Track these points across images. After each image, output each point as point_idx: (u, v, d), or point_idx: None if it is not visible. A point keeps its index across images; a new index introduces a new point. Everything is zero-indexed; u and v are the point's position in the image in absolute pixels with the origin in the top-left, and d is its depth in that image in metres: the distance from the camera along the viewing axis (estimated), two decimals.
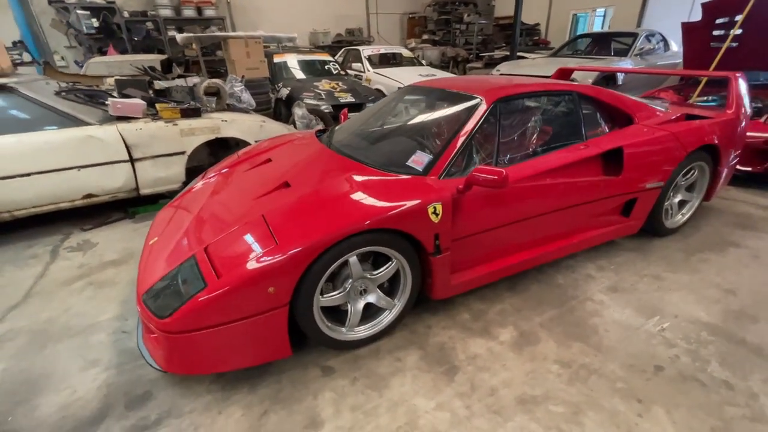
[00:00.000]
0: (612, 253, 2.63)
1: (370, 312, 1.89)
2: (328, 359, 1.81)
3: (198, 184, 2.46)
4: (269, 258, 1.49)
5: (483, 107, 2.08)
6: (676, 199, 2.77)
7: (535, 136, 2.27)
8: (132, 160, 3.15)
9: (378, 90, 6.87)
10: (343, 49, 8.69)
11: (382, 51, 8.05)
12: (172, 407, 1.59)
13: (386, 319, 1.87)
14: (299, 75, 6.62)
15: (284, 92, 6.06)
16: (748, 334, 1.90)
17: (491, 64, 8.70)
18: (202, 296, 1.46)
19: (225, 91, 3.77)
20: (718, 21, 4.16)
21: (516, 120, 2.26)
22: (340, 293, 1.73)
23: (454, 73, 9.99)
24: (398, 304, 1.89)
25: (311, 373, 1.74)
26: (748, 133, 3.50)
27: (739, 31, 4.08)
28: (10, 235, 3.07)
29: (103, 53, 8.18)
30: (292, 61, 6.78)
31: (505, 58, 8.08)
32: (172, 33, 8.76)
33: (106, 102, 3.12)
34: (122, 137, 3.06)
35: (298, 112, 4.73)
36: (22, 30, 7.97)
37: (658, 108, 2.77)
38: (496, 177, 1.70)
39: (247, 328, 1.53)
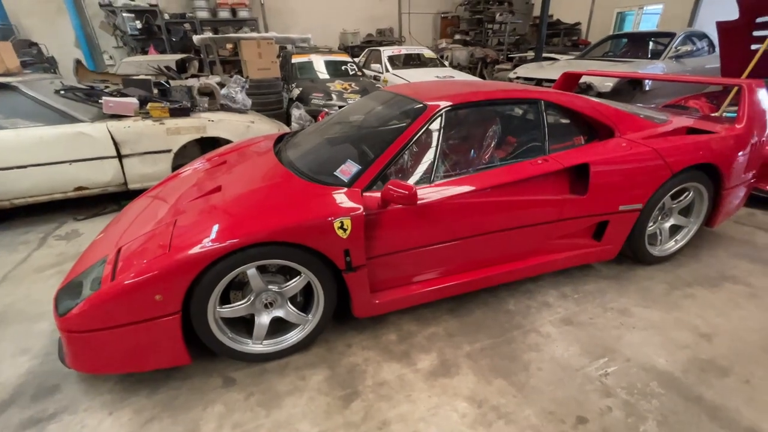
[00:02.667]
0: (583, 279, 2.36)
1: (285, 326, 1.83)
2: (236, 369, 1.78)
3: (181, 172, 2.52)
4: (156, 265, 1.47)
5: (426, 116, 1.95)
6: (667, 224, 2.44)
7: (488, 148, 2.09)
8: (120, 156, 3.32)
9: None
10: (366, 50, 8.67)
11: (404, 52, 7.93)
12: (71, 403, 1.63)
13: (295, 337, 1.80)
14: (313, 75, 6.68)
15: (296, 92, 6.15)
16: (708, 390, 1.62)
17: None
18: (93, 299, 1.48)
19: (218, 92, 3.86)
20: (759, 20, 3.63)
21: (466, 130, 2.09)
22: (242, 304, 1.69)
23: (483, 76, 9.64)
24: (312, 321, 1.81)
25: (212, 383, 1.71)
26: None
27: None
28: (12, 221, 3.35)
29: (145, 53, 8.78)
30: (307, 61, 6.86)
31: (535, 60, 7.66)
32: (208, 33, 9.21)
33: (100, 100, 3.31)
34: (111, 134, 3.23)
35: (296, 113, 4.76)
36: (77, 32, 8.74)
37: (655, 119, 2.46)
38: (406, 192, 1.58)
39: (139, 334, 1.53)
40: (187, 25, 9.22)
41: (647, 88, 4.89)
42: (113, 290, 1.46)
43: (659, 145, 2.17)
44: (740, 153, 2.34)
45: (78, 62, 5.37)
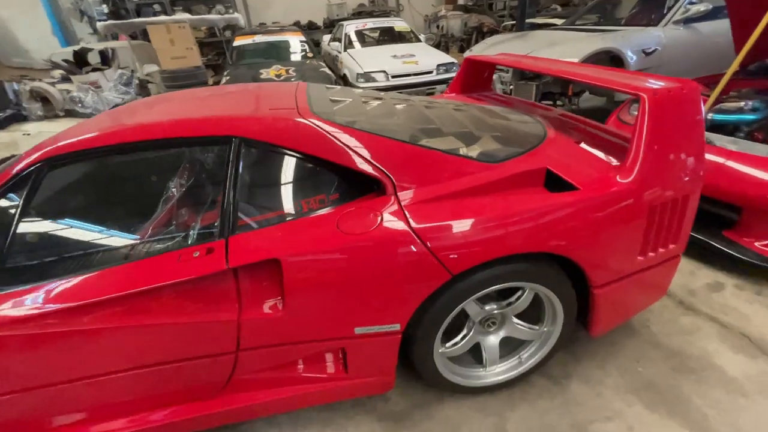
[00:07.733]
0: (345, 425, 1.48)
1: None
2: None
3: None
4: None
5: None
6: (495, 337, 1.45)
7: (114, 230, 1.25)
8: None
9: (344, 76, 5.81)
10: (336, 25, 7.63)
11: (370, 25, 6.81)
12: None
13: None
14: (253, 60, 5.87)
15: (224, 82, 5.43)
16: None
17: None
18: None
19: (53, 96, 3.26)
20: None
21: (82, 199, 1.26)
22: None
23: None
24: None
25: None
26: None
27: None
28: None
29: (115, 38, 8.45)
30: (249, 43, 6.06)
31: (543, 26, 6.14)
32: (180, 14, 8.65)
33: None
34: None
35: None
36: (51, 20, 8.60)
37: (488, 157, 1.41)
38: None
39: None
40: (156, 6, 8.71)
41: (632, 66, 3.52)
42: None
43: (437, 218, 1.18)
44: (621, 226, 1.27)
45: None
